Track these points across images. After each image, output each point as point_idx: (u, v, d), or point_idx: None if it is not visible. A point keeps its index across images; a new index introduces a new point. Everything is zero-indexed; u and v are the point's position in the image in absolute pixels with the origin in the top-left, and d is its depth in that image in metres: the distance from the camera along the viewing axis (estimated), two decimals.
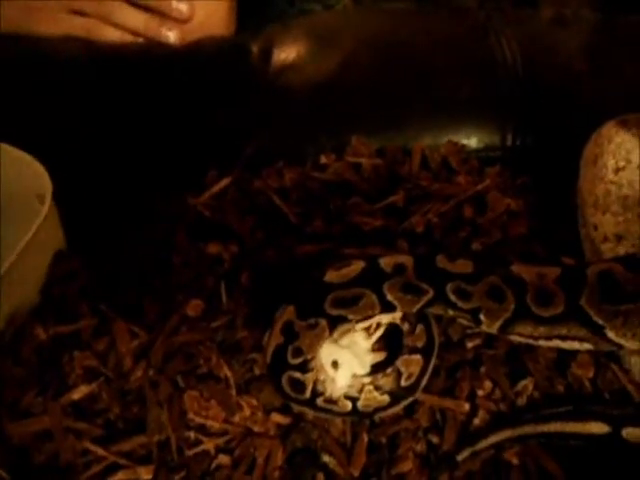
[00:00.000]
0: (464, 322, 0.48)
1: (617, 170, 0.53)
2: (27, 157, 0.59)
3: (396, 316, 0.47)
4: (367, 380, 0.47)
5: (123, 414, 0.50)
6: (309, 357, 0.45)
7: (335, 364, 0.47)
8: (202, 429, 0.49)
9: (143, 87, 0.69)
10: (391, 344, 0.48)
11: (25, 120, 0.66)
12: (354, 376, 0.47)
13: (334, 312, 0.45)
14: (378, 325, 0.47)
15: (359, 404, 0.46)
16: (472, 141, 0.67)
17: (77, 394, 0.51)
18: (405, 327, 0.48)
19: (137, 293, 0.57)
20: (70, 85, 0.69)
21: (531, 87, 0.67)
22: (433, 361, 0.48)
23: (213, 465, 0.48)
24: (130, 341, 0.53)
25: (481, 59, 0.68)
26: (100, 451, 0.48)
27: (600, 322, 0.41)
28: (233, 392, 0.50)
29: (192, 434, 0.49)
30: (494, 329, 0.45)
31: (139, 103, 0.68)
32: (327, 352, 0.47)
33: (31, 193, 0.58)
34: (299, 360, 0.45)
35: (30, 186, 0.58)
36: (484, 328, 0.46)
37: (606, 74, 0.68)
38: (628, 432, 0.44)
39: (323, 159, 0.66)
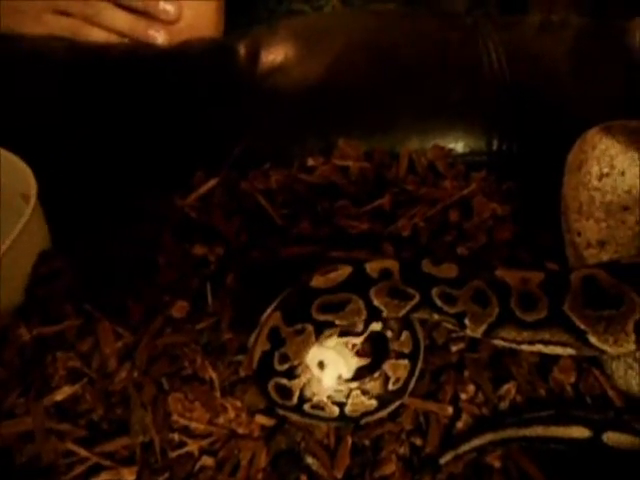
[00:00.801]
0: (449, 326, 0.48)
1: (601, 176, 0.54)
2: (12, 157, 0.58)
3: (377, 327, 0.47)
4: (354, 385, 0.47)
5: (107, 415, 0.50)
6: (296, 363, 0.45)
7: (321, 364, 0.47)
8: (186, 431, 0.49)
9: (130, 88, 0.69)
10: (377, 349, 0.48)
11: (10, 119, 0.66)
12: (340, 378, 0.47)
13: (321, 317, 0.45)
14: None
15: (347, 409, 0.46)
16: (459, 145, 0.68)
17: (60, 395, 0.51)
18: (389, 334, 0.48)
19: (122, 294, 0.56)
20: (56, 84, 0.69)
21: (517, 93, 0.68)
22: (420, 365, 0.48)
23: (197, 467, 0.47)
24: (114, 342, 0.53)
25: (468, 64, 0.69)
26: (83, 452, 0.48)
27: (582, 327, 0.42)
28: (217, 394, 0.50)
29: (176, 436, 0.49)
30: (479, 333, 0.45)
31: (126, 103, 0.68)
32: (313, 353, 0.46)
33: (16, 193, 0.58)
34: (285, 366, 0.45)
35: (15, 186, 0.58)
36: (469, 332, 0.46)
37: (592, 80, 0.69)
38: (609, 437, 0.44)
39: (310, 161, 0.66)
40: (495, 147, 0.67)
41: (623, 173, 0.54)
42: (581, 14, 0.79)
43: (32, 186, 0.55)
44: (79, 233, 0.61)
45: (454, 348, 0.51)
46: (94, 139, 0.67)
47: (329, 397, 0.46)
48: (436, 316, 0.46)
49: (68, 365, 0.52)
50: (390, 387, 0.47)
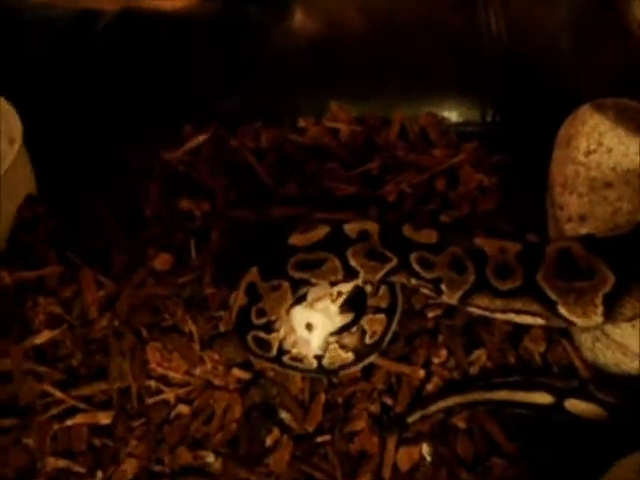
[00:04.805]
0: (426, 292, 0.48)
1: (588, 152, 0.54)
2: None
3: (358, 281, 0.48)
4: (332, 339, 0.48)
5: (85, 361, 0.51)
6: (273, 318, 0.46)
7: (309, 326, 0.48)
8: (163, 379, 0.50)
9: (122, 38, 0.68)
10: (355, 305, 0.49)
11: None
12: (325, 336, 0.48)
13: (297, 275, 0.45)
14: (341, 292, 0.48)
15: (324, 362, 0.47)
16: (452, 114, 0.67)
17: (40, 339, 0.51)
18: (368, 289, 0.49)
19: (106, 243, 0.57)
20: (46, 28, 0.67)
21: (515, 65, 0.67)
22: (396, 320, 0.49)
23: (172, 414, 0.49)
24: (96, 291, 0.54)
25: (468, 33, 0.68)
26: (59, 394, 0.49)
27: (553, 298, 0.42)
28: (196, 346, 0.51)
29: (153, 383, 0.50)
30: (454, 299, 0.46)
31: (117, 53, 0.67)
32: (300, 315, 0.47)
33: (2, 135, 0.57)
34: (263, 321, 0.46)
35: (1, 128, 0.57)
36: (445, 298, 0.46)
37: (589, 55, 0.68)
38: (570, 403, 0.46)
39: (301, 122, 0.66)
40: (489, 118, 0.67)
41: (610, 150, 0.54)
42: None
43: (18, 129, 0.55)
44: (65, 180, 0.61)
45: (430, 314, 0.52)
46: (85, 87, 0.66)
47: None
48: (413, 281, 0.46)
49: (48, 310, 0.52)
50: (367, 341, 0.48)
